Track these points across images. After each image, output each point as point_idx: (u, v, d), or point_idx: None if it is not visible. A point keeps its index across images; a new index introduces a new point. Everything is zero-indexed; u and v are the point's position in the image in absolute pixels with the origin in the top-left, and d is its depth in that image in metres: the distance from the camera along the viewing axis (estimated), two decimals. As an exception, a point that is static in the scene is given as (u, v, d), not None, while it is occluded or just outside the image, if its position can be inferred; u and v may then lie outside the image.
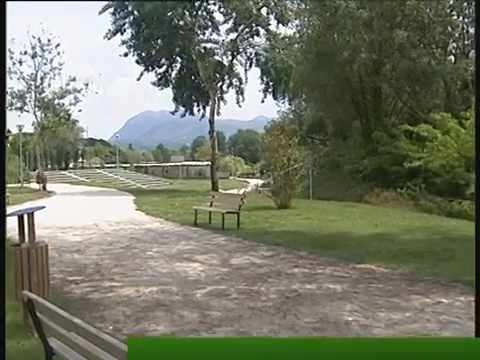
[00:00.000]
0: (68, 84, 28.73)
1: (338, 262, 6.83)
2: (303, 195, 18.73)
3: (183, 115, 31.79)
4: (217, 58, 29.05)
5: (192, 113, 31.58)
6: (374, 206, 17.35)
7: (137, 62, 28.11)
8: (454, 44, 23.45)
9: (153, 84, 29.87)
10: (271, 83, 29.64)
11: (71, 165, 73.44)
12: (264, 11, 25.92)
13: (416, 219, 12.10)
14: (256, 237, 9.25)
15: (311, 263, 6.84)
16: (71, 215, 13.84)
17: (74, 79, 28.93)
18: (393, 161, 20.83)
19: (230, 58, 28.29)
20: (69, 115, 30.01)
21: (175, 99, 30.76)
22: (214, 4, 26.93)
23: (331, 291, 5.33)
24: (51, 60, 28.03)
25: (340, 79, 24.02)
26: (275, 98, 31.92)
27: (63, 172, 54.85)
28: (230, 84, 29.70)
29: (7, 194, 13.47)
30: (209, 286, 5.60)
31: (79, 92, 28.65)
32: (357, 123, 28.53)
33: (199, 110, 31.67)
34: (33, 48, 27.59)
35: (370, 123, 25.17)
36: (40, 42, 27.66)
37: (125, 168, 75.72)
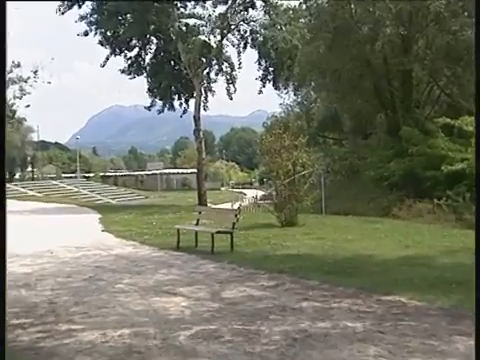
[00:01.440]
0: (11, 71, 28.12)
1: (358, 293, 6.85)
2: (314, 209, 18.82)
3: (161, 111, 31.94)
4: (202, 38, 29.20)
5: (172, 108, 31.73)
6: (404, 221, 17.44)
7: (100, 43, 28.12)
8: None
9: (122, 72, 29.90)
10: (271, 69, 29.60)
11: (18, 175, 71.64)
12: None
13: (459, 237, 12.17)
14: (255, 263, 9.26)
15: (324, 295, 6.84)
16: (18, 240, 13.70)
17: (18, 65, 28.28)
18: (428, 164, 20.82)
19: (219, 38, 28.43)
20: (14, 112, 29.33)
21: (150, 90, 30.84)
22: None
23: (350, 331, 5.33)
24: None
25: (359, 61, 24.17)
26: (276, 88, 31.92)
27: (7, 185, 54.62)
28: (219, 70, 29.86)
29: None
30: (195, 326, 5.59)
31: (26, 82, 28.07)
32: (381, 117, 28.76)
33: (181, 104, 31.80)
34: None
35: (398, 116, 25.27)
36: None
37: (88, 178, 75.72)
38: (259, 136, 25.77)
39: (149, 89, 30.85)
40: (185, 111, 32.24)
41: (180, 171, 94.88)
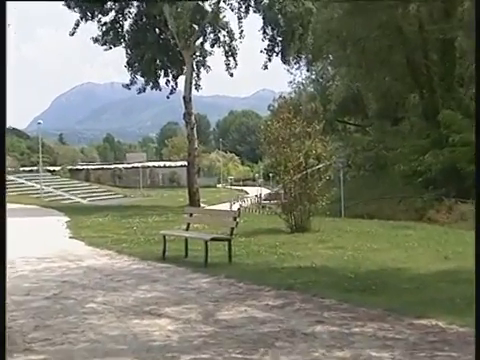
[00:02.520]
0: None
1: (385, 315, 6.83)
2: (330, 211, 18.85)
3: (143, 90, 31.98)
4: (195, -1, 29.15)
5: (157, 87, 31.78)
6: (443, 227, 17.47)
7: (68, 6, 28.05)
8: None
9: (95, 41, 29.86)
10: (279, 38, 29.36)
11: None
12: None
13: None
14: (258, 277, 9.26)
15: (343, 317, 6.83)
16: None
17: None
18: (473, 156, 20.85)
19: (215, 0, 28.42)
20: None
21: (130, 65, 30.84)
22: None
23: (375, 361, 5.32)
24: None
25: (388, 29, 24.08)
26: (285, 62, 31.74)
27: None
28: (216, 41, 29.88)
29: None
30: (184, 355, 5.57)
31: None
32: (415, 98, 28.71)
33: (168, 82, 31.89)
34: None
35: (436, 97, 25.18)
36: None
37: (53, 173, 75.75)
38: (264, 121, 25.80)
39: (128, 63, 30.86)
40: (173, 91, 32.28)
41: (167, 164, 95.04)
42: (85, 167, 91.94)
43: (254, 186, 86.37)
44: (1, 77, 3.97)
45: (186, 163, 31.30)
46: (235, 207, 53.05)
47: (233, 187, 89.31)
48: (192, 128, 28.38)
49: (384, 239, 13.90)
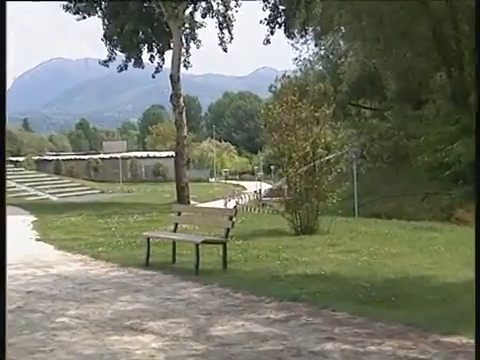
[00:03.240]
0: None
1: (407, 332, 6.84)
2: (342, 210, 18.87)
3: (123, 67, 31.93)
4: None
5: (140, 64, 31.70)
6: (473, 228, 17.44)
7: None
8: None
9: (66, 9, 29.69)
10: (282, 7, 29.26)
11: None
12: None
13: None
14: (257, 286, 9.28)
15: (357, 333, 6.83)
16: None
17: None
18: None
19: (207, -39, 28.35)
20: None
21: (108, 38, 30.72)
22: None
23: (395, 385, 5.32)
24: None
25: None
26: (290, 35, 31.68)
27: None
28: (208, 10, 29.79)
29: None
30: (171, 379, 5.57)
31: None
32: (442, 77, 28.70)
33: (153, 58, 31.82)
34: None
35: (466, 76, 25.18)
36: None
37: (16, 164, 75.53)
38: (264, 105, 25.69)
39: (106, 36, 30.73)
40: (159, 68, 32.24)
41: (151, 155, 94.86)
42: (55, 158, 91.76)
43: (253, 180, 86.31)
44: (1, 77, 4.52)
45: (173, 153, 31.29)
46: (231, 205, 52.99)
47: (228, 181, 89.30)
48: (180, 112, 28.36)
49: (405, 242, 13.92)
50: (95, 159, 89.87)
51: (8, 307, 8.54)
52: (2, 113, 4.58)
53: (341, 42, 40.15)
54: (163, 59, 31.57)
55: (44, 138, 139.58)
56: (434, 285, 9.14)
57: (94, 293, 9.31)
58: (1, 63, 4.53)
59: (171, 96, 28.55)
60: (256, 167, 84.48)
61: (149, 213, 21.95)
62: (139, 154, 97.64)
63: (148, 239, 11.93)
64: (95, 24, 31.12)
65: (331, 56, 43.19)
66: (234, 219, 11.39)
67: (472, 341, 6.46)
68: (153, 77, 32.88)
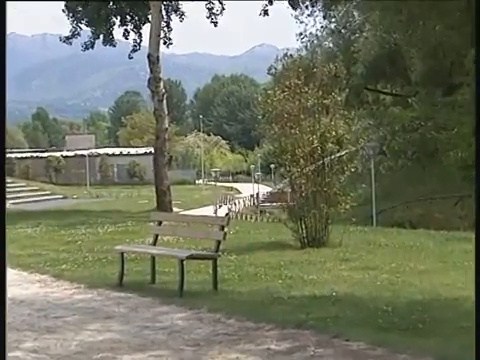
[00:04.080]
0: None
1: (437, 365, 6.85)
2: (358, 217, 18.88)
3: (90, 45, 31.81)
4: None
5: (111, 41, 31.59)
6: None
7: None
8: None
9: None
10: (284, -29, 29.47)
11: None
12: None
13: None
14: (254, 311, 9.27)
15: (377, 367, 6.85)
16: None
17: None
18: None
19: None
20: None
21: (70, 9, 30.64)
22: None
23: None
24: None
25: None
26: (293, 5, 31.73)
27: None
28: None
29: None
30: None
31: None
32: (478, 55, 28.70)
33: (127, 34, 31.71)
34: None
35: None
36: None
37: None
38: (262, 90, 25.62)
39: (68, 6, 30.63)
40: (135, 47, 32.16)
41: (125, 152, 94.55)
42: (6, 155, 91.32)
43: (249, 182, 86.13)
44: (1, 77, 5.15)
45: (152, 150, 31.24)
46: (222, 212, 52.80)
47: (219, 184, 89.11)
48: (160, 100, 28.33)
49: (434, 257, 13.91)
50: (56, 157, 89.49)
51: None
52: (2, 113, 5.15)
53: (355, 13, 40.16)
54: (140, 35, 31.49)
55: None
56: (470, 309, 9.09)
57: (56, 321, 9.26)
58: (1, 63, 5.16)
59: (149, 80, 28.51)
60: (253, 166, 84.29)
61: (123, 223, 21.91)
62: (110, 151, 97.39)
63: (122, 254, 11.87)
64: (55, -8, 31.01)
65: (343, 31, 43.18)
66: (226, 229, 11.40)
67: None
68: (130, 58, 32.81)
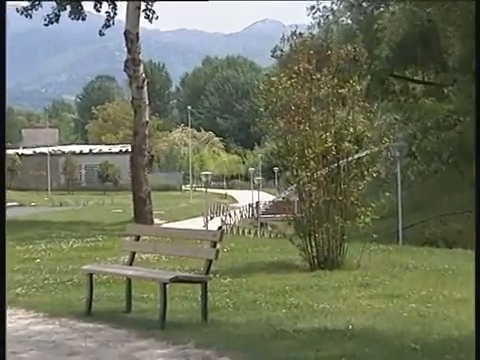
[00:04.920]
0: None
1: None
2: (380, 233, 18.89)
3: (53, 18, 31.80)
4: None
5: (79, 13, 31.60)
6: None
7: None
8: None
9: None
10: None
11: None
12: None
13: None
14: (252, 346, 9.25)
15: None
16: None
17: None
18: None
19: None
20: None
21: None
22: None
23: None
24: None
25: None
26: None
27: None
28: None
29: None
30: None
31: None
32: None
33: (99, 5, 31.71)
34: None
35: None
36: None
37: None
38: (265, 76, 25.56)
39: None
40: (110, 22, 32.14)
41: (96, 150, 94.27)
42: None
43: (247, 189, 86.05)
44: (1, 77, 5.70)
45: (129, 148, 31.26)
46: (214, 225, 52.64)
47: (211, 190, 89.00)
48: (140, 87, 28.38)
49: (473, 283, 13.93)
50: (10, 156, 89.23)
51: None
52: (2, 113, 5.74)
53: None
54: (115, 7, 31.48)
55: None
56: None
57: (9, 358, 9.27)
58: (1, 63, 5.75)
59: (126, 62, 28.55)
60: (252, 169, 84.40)
61: (92, 237, 21.93)
62: (77, 148, 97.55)
63: (90, 276, 11.84)
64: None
65: (365, 4, 43.20)
66: (219, 246, 11.40)
67: None
68: (101, 35, 32.80)
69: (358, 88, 15.91)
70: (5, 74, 5.71)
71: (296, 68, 16.02)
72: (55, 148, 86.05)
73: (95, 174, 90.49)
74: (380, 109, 19.80)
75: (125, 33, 28.34)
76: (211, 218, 56.00)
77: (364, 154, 16.30)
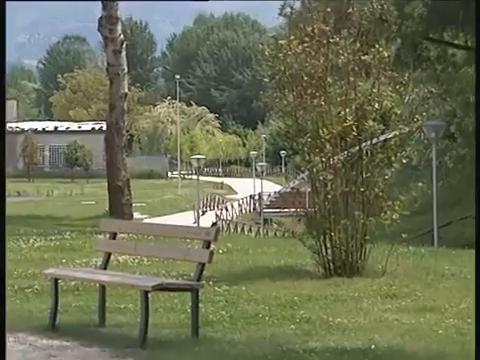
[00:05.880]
0: None
1: None
2: (411, 232, 18.91)
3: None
4: None
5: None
6: None
7: None
8: None
9: None
10: None
11: None
12: None
13: None
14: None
15: None
16: None
17: None
18: None
19: None
20: None
21: None
22: None
23: None
24: None
25: None
26: None
27: None
28: None
29: None
30: None
31: None
32: None
33: None
34: None
35: None
36: None
37: None
38: (271, 39, 25.44)
39: None
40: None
41: (63, 127, 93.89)
42: None
43: (248, 177, 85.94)
44: (1, 77, 6.76)
45: (104, 126, 31.28)
46: (207, 220, 52.55)
47: (204, 178, 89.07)
48: (117, 51, 28.39)
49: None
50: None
51: None
52: (2, 115, 6.65)
53: None
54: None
55: None
56: None
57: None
58: (1, 62, 6.60)
59: (100, 20, 28.56)
60: (254, 153, 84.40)
61: (58, 234, 21.95)
62: (40, 125, 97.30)
63: (55, 281, 11.81)
64: None
65: None
66: (213, 247, 11.43)
67: None
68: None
69: (385, 54, 15.87)
70: (5, 74, 6.57)
71: (309, 29, 15.98)
72: (12, 125, 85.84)
73: (61, 157, 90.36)
74: (412, 80, 19.72)
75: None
76: (203, 212, 56.14)
77: (392, 135, 16.23)
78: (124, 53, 28.36)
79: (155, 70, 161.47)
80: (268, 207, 64.69)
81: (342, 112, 15.48)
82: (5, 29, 6.47)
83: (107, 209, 28.05)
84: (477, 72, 5.61)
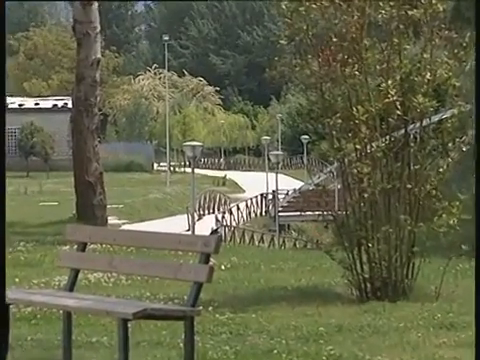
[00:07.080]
0: None
1: None
2: (472, 241, 18.87)
3: None
4: None
5: None
6: None
7: None
8: None
9: None
10: None
11: None
12: None
13: None
14: None
15: None
16: None
17: None
18: None
19: None
20: None
21: None
22: None
23: None
24: None
25: None
26: None
27: None
28: None
29: None
30: None
31: None
32: None
33: None
34: None
35: None
36: None
37: None
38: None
39: None
40: None
41: (17, 103, 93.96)
42: None
43: (258, 170, 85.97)
44: (1, 77, 7.83)
45: (69, 103, 31.43)
46: (205, 227, 52.56)
47: (200, 171, 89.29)
48: (87, 3, 28.50)
49: None
50: None
51: None
52: (2, 113, 7.46)
53: None
54: None
55: None
56: None
57: None
58: (1, 62, 7.69)
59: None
60: (266, 139, 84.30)
61: (8, 246, 22.03)
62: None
63: (7, 307, 11.93)
64: None
65: None
66: (213, 261, 11.45)
67: None
68: None
69: (440, 8, 15.84)
70: (5, 74, 7.47)
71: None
72: None
73: (13, 144, 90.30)
74: (473, 43, 19.72)
75: None
76: (200, 216, 56.25)
77: (448, 115, 16.19)
78: (96, 6, 28.46)
79: (136, 29, 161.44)
80: (285, 210, 64.68)
81: (383, 84, 15.47)
82: (5, 29, 7.57)
83: (74, 212, 28.11)
84: (477, 72, 5.77)
